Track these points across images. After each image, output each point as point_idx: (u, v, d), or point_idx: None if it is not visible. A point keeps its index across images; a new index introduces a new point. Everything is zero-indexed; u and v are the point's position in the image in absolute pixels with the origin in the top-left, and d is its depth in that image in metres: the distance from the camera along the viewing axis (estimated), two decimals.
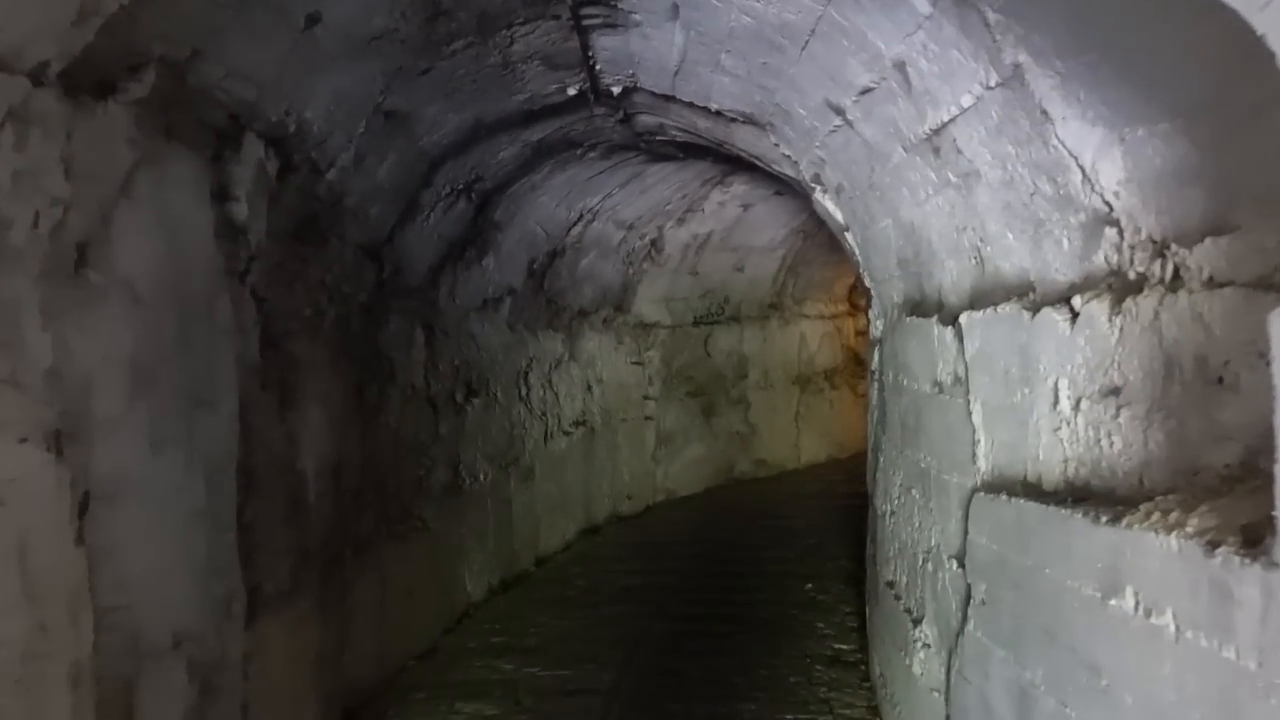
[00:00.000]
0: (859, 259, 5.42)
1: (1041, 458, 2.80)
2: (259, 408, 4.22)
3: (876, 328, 5.45)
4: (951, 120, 3.09)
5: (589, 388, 9.47)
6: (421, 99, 4.79)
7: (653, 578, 7.59)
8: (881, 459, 5.21)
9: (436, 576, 6.65)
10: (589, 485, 9.37)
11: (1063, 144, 2.47)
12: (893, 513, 4.83)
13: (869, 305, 5.76)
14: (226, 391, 3.88)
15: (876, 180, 4.22)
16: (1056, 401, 2.67)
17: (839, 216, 5.36)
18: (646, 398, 10.42)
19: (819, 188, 5.36)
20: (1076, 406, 2.56)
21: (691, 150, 7.33)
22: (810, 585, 7.14)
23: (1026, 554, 2.71)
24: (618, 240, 9.34)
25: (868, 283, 5.42)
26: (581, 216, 8.47)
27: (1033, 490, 2.90)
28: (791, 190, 10.44)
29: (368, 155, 4.68)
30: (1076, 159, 2.45)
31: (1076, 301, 2.54)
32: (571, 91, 5.43)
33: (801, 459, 12.12)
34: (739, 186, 9.92)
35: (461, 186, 6.21)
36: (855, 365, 12.94)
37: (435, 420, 6.79)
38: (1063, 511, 2.43)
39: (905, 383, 4.47)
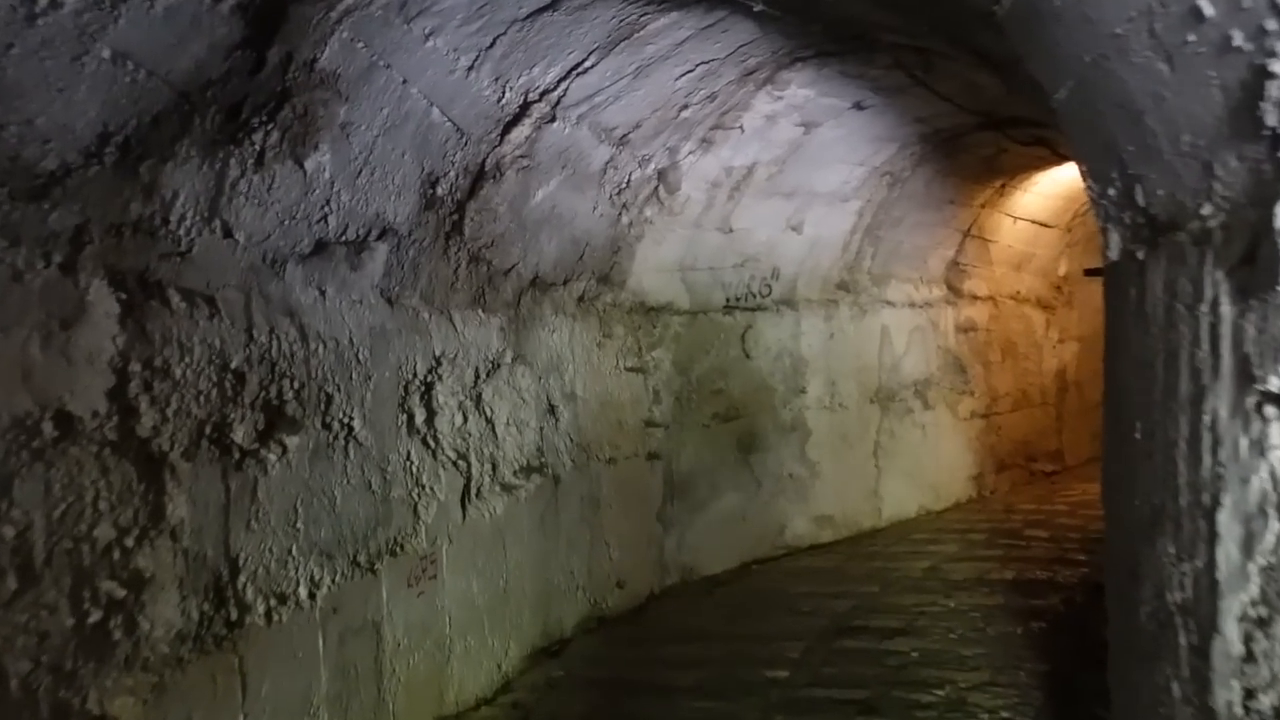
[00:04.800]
0: None
1: None
2: None
3: None
4: None
5: (551, 409, 5.71)
6: None
7: None
8: None
9: None
10: (548, 572, 5.62)
11: None
12: None
13: None
14: None
15: None
16: None
17: None
18: (650, 424, 6.62)
19: None
20: None
21: None
22: None
23: None
24: (601, 161, 5.59)
25: None
26: (528, 104, 4.71)
27: None
28: (884, 95, 6.67)
29: None
30: None
31: None
32: None
33: (883, 514, 8.28)
34: (798, 90, 6.20)
35: None
36: (956, 375, 9.09)
37: (151, 491, 3.07)
38: None
39: None
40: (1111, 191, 2.84)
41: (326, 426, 4.00)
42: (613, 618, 6.07)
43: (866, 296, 8.28)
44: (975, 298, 9.43)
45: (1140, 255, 2.65)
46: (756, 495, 7.41)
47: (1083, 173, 3.16)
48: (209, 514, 3.33)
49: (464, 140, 4.51)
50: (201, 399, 3.31)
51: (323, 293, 4.04)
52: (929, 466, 8.77)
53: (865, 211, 7.77)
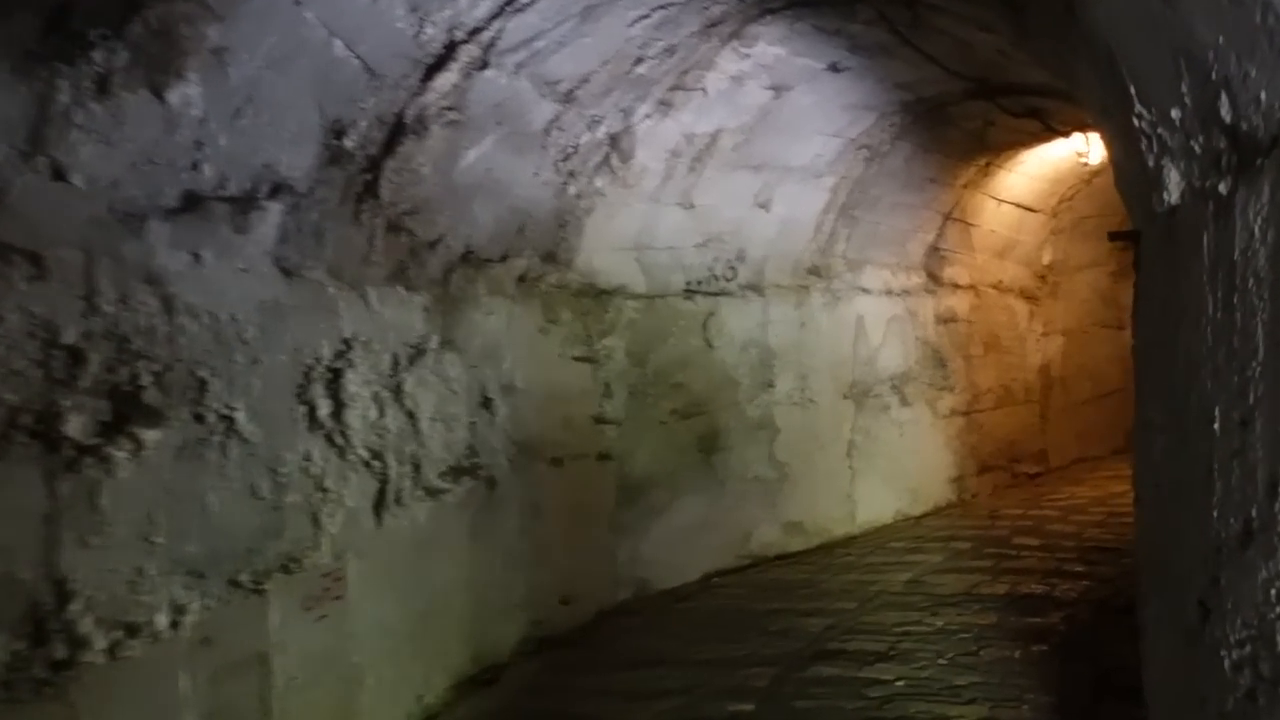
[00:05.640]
0: None
1: None
2: None
3: None
4: None
5: (485, 402, 5.04)
6: None
7: None
8: None
9: None
10: (481, 588, 4.96)
11: None
12: None
13: None
14: None
15: None
16: None
17: None
18: (601, 420, 5.97)
19: None
20: None
21: None
22: None
23: None
24: (544, 120, 4.93)
25: None
26: (454, 45, 4.04)
27: None
28: (863, 56, 6.04)
29: None
30: None
31: None
32: None
33: (857, 519, 7.69)
34: (768, 48, 5.62)
35: None
36: (936, 369, 8.50)
37: None
38: None
39: None
40: (1176, 113, 2.22)
41: (199, 419, 3.30)
42: (557, 640, 5.39)
43: (840, 283, 7.67)
44: (956, 286, 8.86)
45: (1222, 189, 2.01)
46: (719, 500, 6.77)
47: (1126, 102, 2.53)
48: (24, 527, 2.64)
49: (376, 83, 3.82)
50: (16, 381, 2.61)
51: (197, 258, 3.35)
52: (907, 468, 8.18)
53: (840, 189, 7.16)
